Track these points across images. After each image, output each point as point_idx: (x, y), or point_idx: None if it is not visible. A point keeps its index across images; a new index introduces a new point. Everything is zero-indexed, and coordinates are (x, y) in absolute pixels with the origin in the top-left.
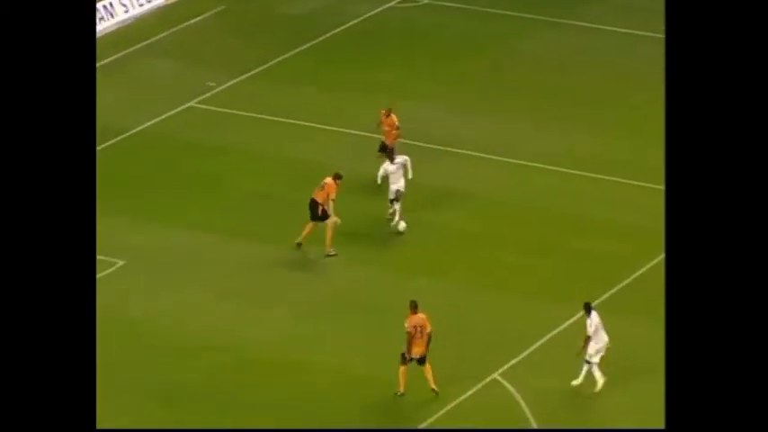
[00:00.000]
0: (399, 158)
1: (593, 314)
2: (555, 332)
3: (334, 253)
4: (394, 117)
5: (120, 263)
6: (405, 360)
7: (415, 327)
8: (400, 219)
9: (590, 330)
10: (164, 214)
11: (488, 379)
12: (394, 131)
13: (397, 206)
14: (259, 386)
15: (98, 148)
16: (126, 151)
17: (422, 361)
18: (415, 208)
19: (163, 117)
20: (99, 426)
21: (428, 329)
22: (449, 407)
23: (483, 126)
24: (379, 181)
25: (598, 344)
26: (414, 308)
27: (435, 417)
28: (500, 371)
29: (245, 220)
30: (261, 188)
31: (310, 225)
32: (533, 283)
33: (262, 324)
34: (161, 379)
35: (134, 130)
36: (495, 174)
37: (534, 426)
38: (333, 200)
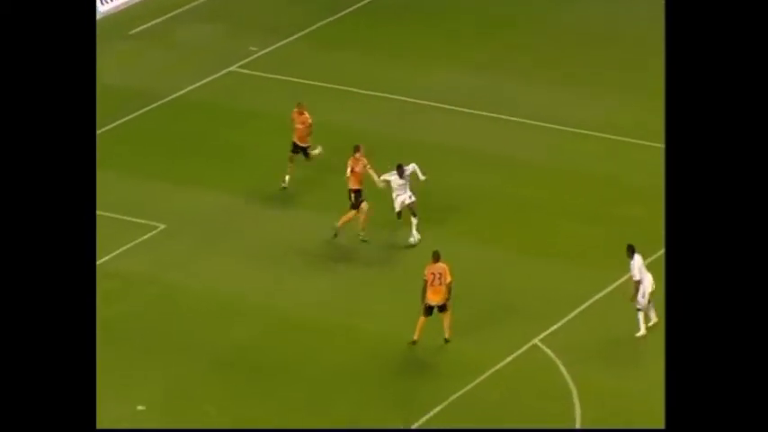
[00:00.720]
0: (408, 168)
1: (637, 257)
2: (597, 297)
3: (366, 239)
4: (307, 114)
5: (161, 226)
6: (427, 312)
7: (433, 274)
8: (415, 230)
9: (636, 274)
10: (206, 179)
11: (529, 344)
12: (307, 129)
13: (414, 220)
14: (298, 351)
15: (139, 112)
16: (167, 116)
17: (443, 308)
18: (462, 174)
19: (204, 82)
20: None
21: (448, 279)
22: (489, 372)
23: (530, 94)
24: (397, 208)
25: (645, 286)
26: (436, 257)
27: (476, 382)
28: (541, 336)
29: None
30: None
31: (351, 213)
32: (578, 250)
33: (300, 290)
34: (205, 343)
35: (175, 95)
36: (543, 141)
37: (573, 390)
38: (369, 169)
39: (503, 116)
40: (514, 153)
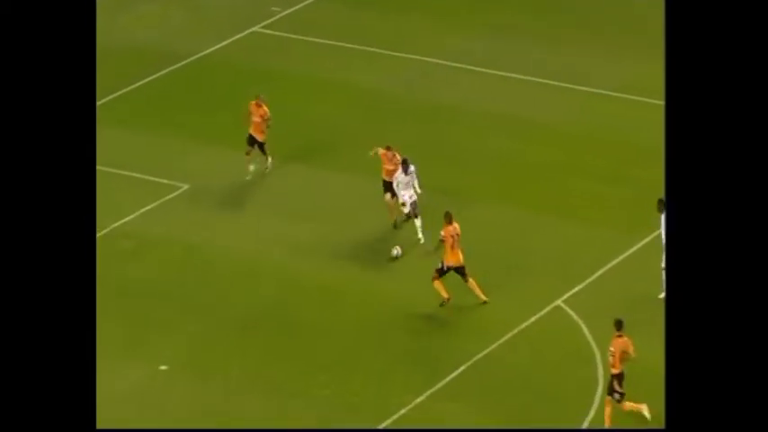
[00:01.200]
0: (412, 166)
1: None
2: (620, 259)
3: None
4: (266, 108)
5: (185, 186)
6: (441, 272)
7: (452, 237)
8: (421, 232)
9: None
10: (228, 139)
11: (552, 306)
12: (265, 123)
13: (418, 222)
14: (323, 310)
15: (163, 72)
16: (190, 76)
17: (461, 271)
18: (481, 135)
19: (227, 42)
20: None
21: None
22: (513, 332)
23: (549, 54)
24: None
25: None
26: (448, 219)
27: (499, 342)
28: (563, 298)
29: (306, 145)
30: (322, 114)
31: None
32: (598, 212)
33: (324, 249)
34: (230, 302)
35: (199, 55)
36: (561, 102)
37: (597, 353)
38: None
39: (521, 77)
40: (533, 114)
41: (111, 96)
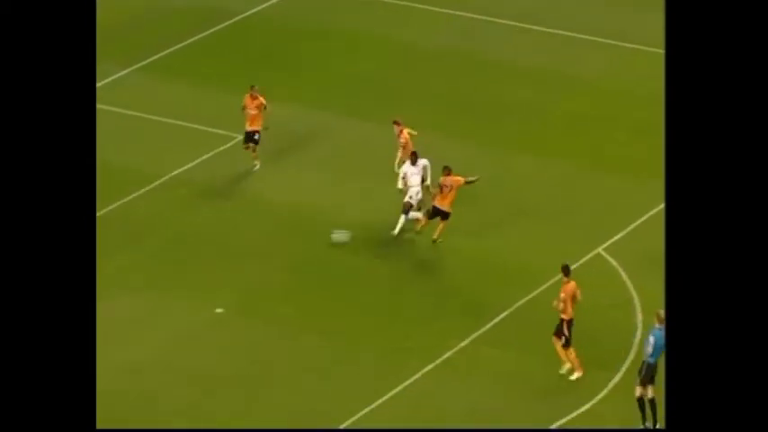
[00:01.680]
0: (421, 161)
1: None
2: (658, 209)
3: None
4: (262, 98)
5: (239, 137)
6: (432, 215)
7: (445, 186)
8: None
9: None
10: (278, 94)
11: (592, 253)
12: (260, 113)
13: (417, 215)
14: (368, 257)
15: (211, 30)
16: (237, 34)
17: (446, 216)
18: (518, 89)
19: (273, 2)
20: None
21: (460, 183)
22: (553, 279)
23: (587, 7)
24: (399, 185)
25: None
26: (447, 171)
27: (541, 289)
28: (604, 245)
29: (355, 101)
30: (366, 70)
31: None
32: (637, 163)
33: (369, 198)
34: (281, 250)
35: (249, 12)
36: (599, 56)
37: (635, 297)
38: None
39: (561, 32)
40: (572, 69)
41: (169, 50)
